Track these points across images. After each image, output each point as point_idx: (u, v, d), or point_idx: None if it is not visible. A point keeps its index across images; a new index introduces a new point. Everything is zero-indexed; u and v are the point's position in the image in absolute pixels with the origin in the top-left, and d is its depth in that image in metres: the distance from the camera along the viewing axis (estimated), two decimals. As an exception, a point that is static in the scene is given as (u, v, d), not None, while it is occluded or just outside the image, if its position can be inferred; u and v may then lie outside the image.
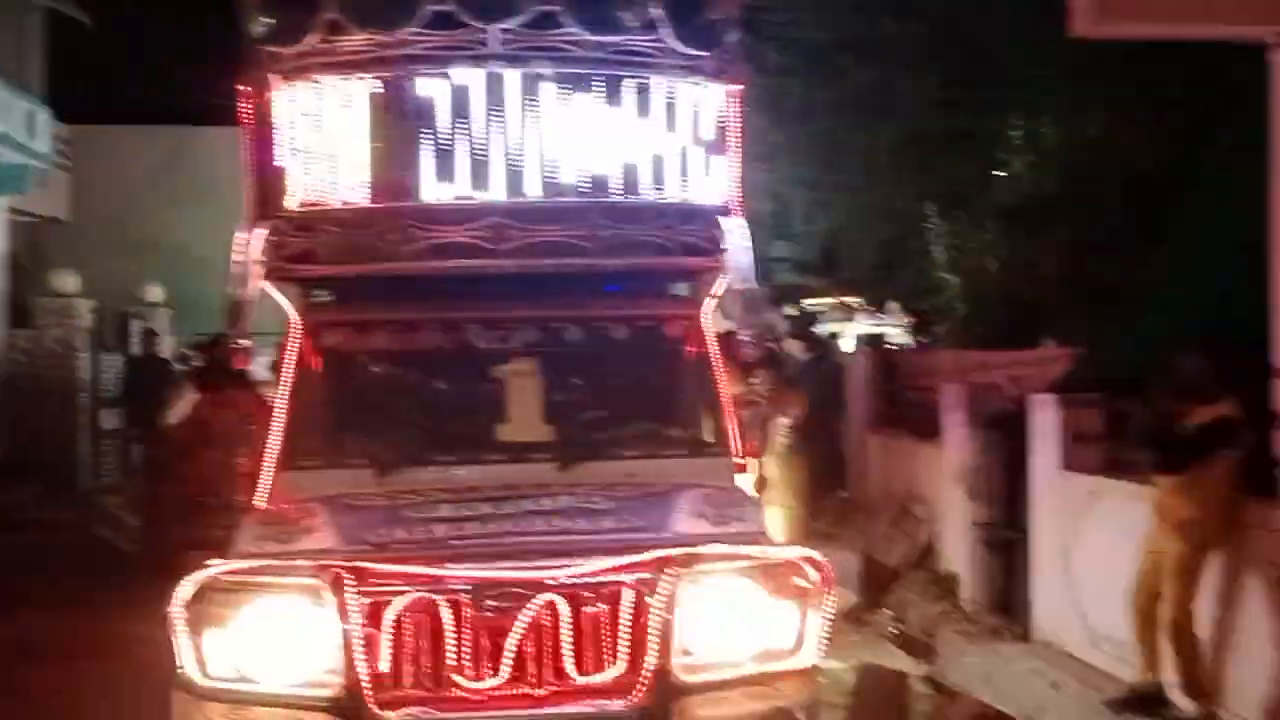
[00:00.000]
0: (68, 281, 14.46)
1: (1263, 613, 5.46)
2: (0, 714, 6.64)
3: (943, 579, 9.11)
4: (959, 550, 8.86)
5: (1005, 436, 8.37)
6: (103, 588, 8.93)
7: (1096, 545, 6.90)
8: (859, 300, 24.65)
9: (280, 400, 4.81)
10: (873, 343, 13.53)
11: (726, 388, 5.01)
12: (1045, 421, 7.55)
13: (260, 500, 4.55)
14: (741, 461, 4.88)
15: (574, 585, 3.75)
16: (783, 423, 7.82)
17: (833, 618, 3.99)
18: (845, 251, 23.86)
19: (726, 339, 5.21)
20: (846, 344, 18.39)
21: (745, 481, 4.81)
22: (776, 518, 7.77)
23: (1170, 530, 5.55)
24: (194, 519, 8.00)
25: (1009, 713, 6.46)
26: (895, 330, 21.21)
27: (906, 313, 20.58)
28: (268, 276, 4.73)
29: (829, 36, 17.36)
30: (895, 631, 8.72)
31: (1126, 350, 8.26)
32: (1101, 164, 12.72)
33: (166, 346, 15.16)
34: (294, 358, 4.88)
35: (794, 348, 12.48)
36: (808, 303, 28.00)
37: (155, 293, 17.29)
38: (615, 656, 3.72)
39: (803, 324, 14.56)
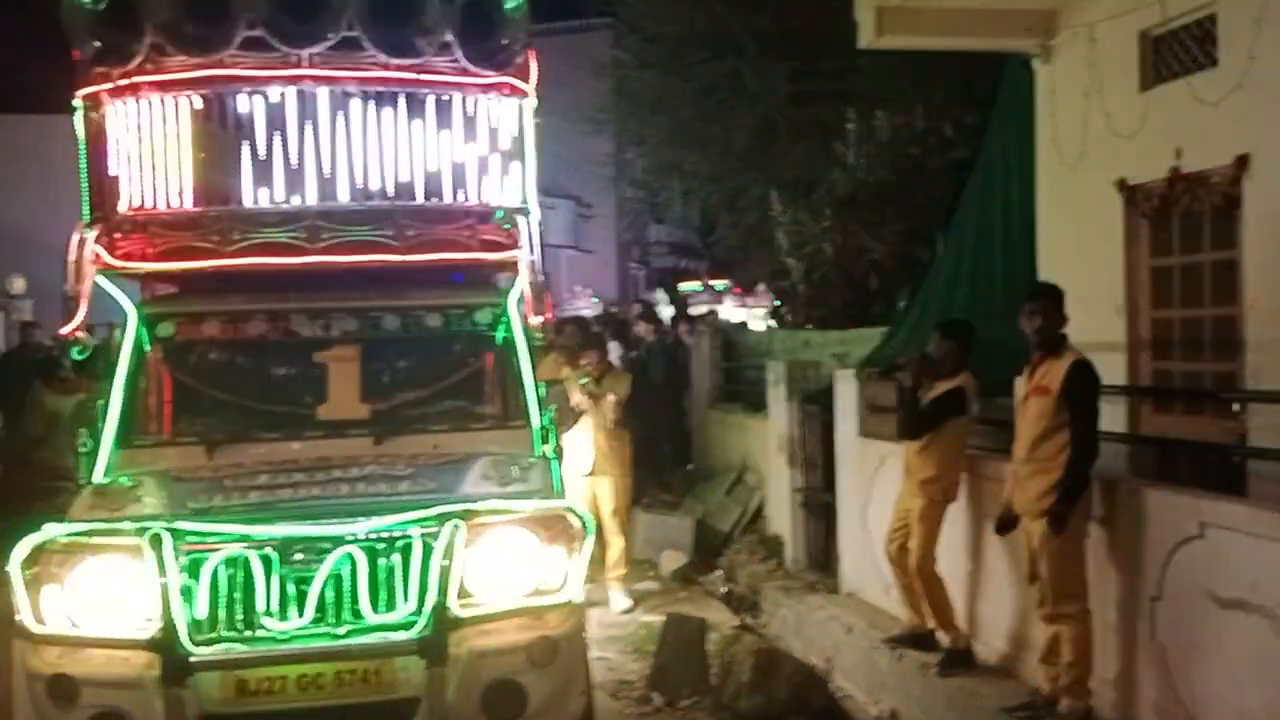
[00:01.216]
0: (-74, 275, 14.43)
1: (1001, 556, 6.30)
2: None
3: (769, 541, 9.92)
4: (783, 514, 9.66)
5: (821, 409, 9.19)
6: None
7: (885, 503, 7.67)
8: (726, 283, 25.48)
9: (117, 385, 5.31)
10: (716, 324, 14.33)
11: (528, 368, 5.65)
12: (846, 394, 8.35)
13: (98, 475, 5.06)
14: (540, 433, 5.52)
15: (369, 539, 4.35)
16: (611, 399, 8.50)
17: (588, 561, 4.65)
18: (714, 236, 24.68)
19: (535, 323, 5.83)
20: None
21: (542, 450, 5.46)
22: (605, 486, 8.48)
23: (915, 486, 6.37)
24: (46, 504, 8.37)
25: (795, 652, 7.25)
26: (760, 311, 22.10)
27: (774, 295, 21.47)
28: (102, 272, 5.23)
29: (684, 30, 18.07)
30: (725, 590, 9.51)
31: (924, 327, 9.07)
32: (926, 155, 13.68)
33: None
34: (129, 346, 5.38)
35: (643, 330, 13.18)
36: (682, 286, 28.79)
37: (17, 284, 17.23)
38: (404, 597, 4.34)
39: (647, 306, 15.27)
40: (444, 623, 4.25)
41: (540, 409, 5.56)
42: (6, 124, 20.53)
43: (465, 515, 4.38)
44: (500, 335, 5.70)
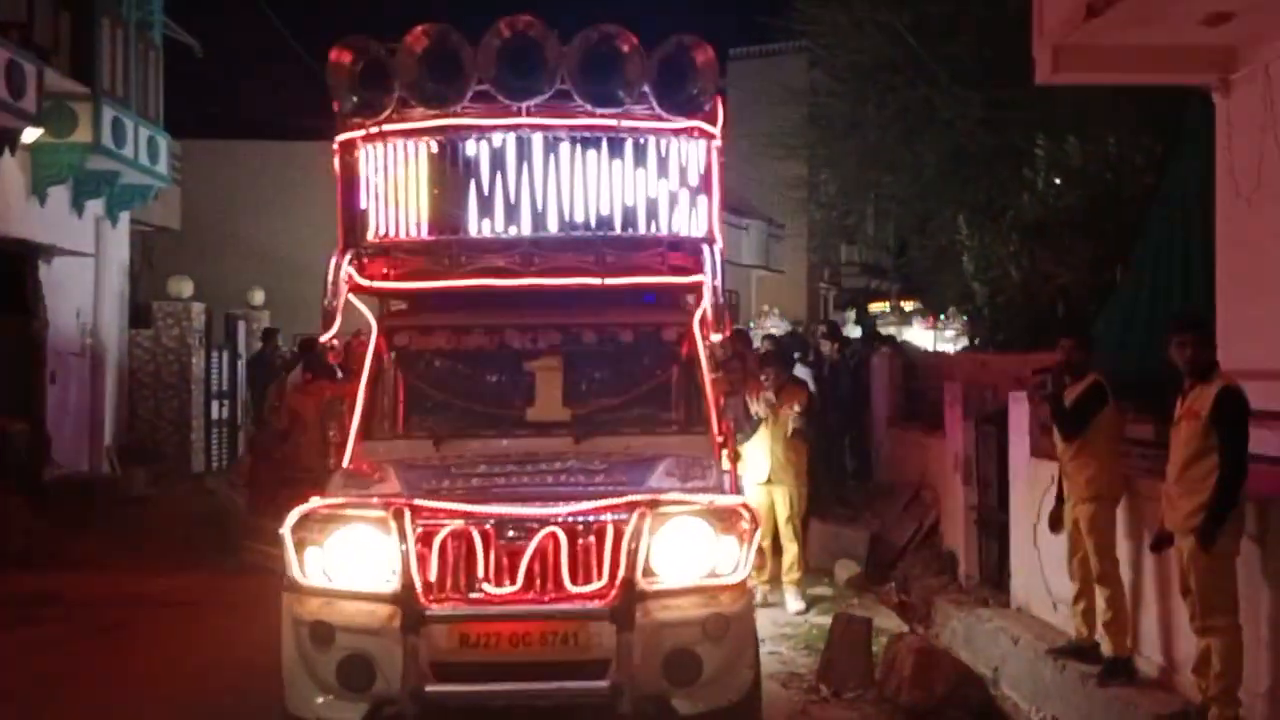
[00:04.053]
0: (184, 286, 16.22)
1: (1159, 571, 6.56)
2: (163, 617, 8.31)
3: (943, 556, 10.24)
4: (957, 530, 9.96)
5: (997, 430, 9.50)
6: (215, 547, 10.64)
7: (1054, 522, 7.99)
8: (916, 305, 25.52)
9: (361, 387, 6.25)
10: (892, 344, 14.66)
11: (710, 381, 6.32)
12: (1019, 415, 8.64)
13: (347, 461, 6.00)
14: (719, 439, 6.18)
15: (570, 521, 5.06)
16: (790, 413, 9.06)
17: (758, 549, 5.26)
18: (905, 257, 24.77)
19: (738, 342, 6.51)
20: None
21: (720, 454, 6.11)
22: (780, 495, 9.04)
23: (1079, 491, 6.69)
24: (291, 493, 9.52)
25: (974, 664, 7.61)
26: (950, 333, 22.16)
27: (964, 317, 21.48)
28: (353, 290, 6.20)
29: (876, 59, 18.43)
30: (897, 600, 9.91)
31: (1108, 350, 9.25)
32: (1119, 182, 13.68)
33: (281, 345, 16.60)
34: (373, 354, 6.33)
35: (825, 348, 13.66)
36: (872, 307, 28.96)
37: (257, 296, 18.99)
38: (598, 572, 5.03)
39: (833, 325, 15.71)
40: (632, 595, 4.92)
41: (719, 418, 6.22)
42: (250, 149, 22.55)
43: (651, 504, 5.06)
44: (685, 351, 6.39)
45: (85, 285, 15.20)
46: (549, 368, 6.29)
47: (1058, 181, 14.37)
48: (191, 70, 19.48)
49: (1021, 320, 13.96)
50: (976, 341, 16.72)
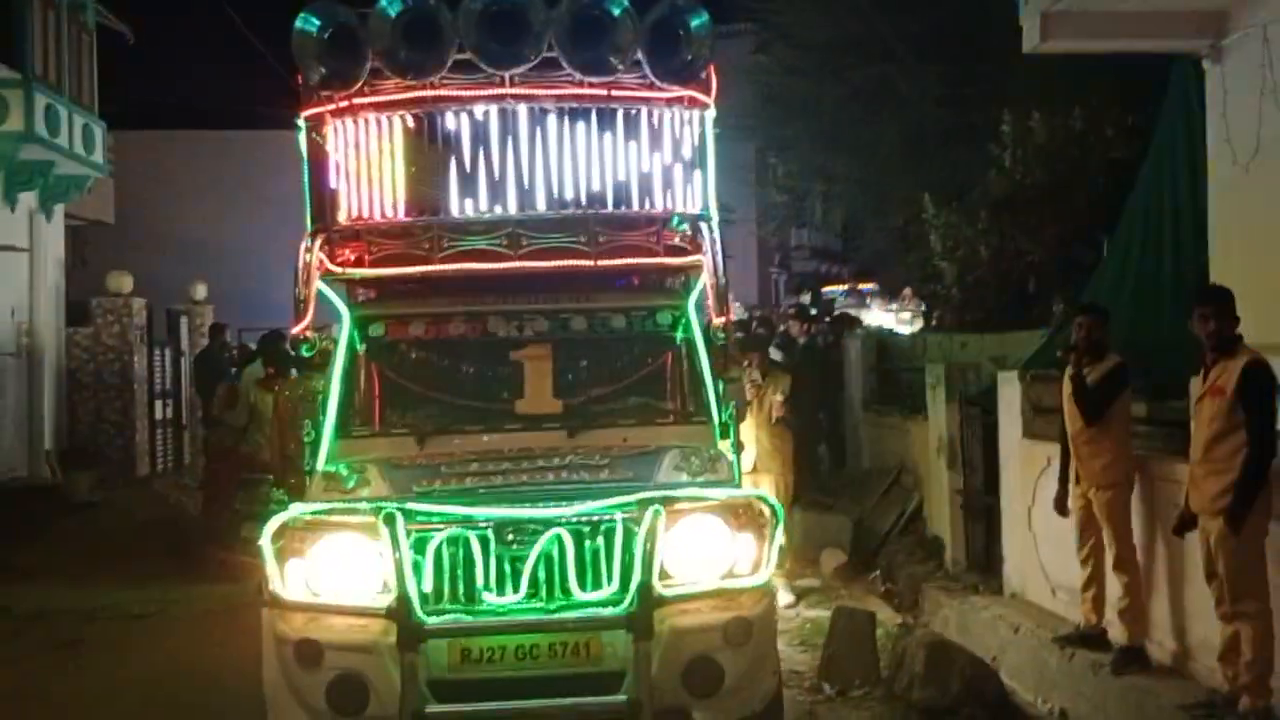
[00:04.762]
0: (123, 282, 15.54)
1: (1173, 555, 6.31)
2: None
3: (928, 542, 10.00)
4: (943, 516, 9.72)
5: (982, 411, 9.25)
6: (169, 554, 10.09)
7: (1050, 504, 7.72)
8: (873, 287, 25.33)
9: (334, 381, 5.78)
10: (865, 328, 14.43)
11: (708, 366, 5.94)
12: (1009, 396, 8.40)
13: (323, 462, 5.54)
14: (721, 428, 5.80)
15: (576, 522, 4.70)
16: (778, 398, 8.75)
17: (782, 549, 4.91)
18: (858, 240, 24.62)
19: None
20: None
21: (722, 444, 5.74)
22: (766, 484, 8.72)
23: (1094, 479, 6.42)
24: (247, 494, 9.03)
25: (974, 650, 7.35)
26: (907, 315, 21.98)
27: (921, 298, 21.31)
28: (324, 277, 5.72)
29: (834, 35, 18.16)
30: (884, 588, 9.65)
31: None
32: (1085, 156, 13.50)
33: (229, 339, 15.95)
34: (346, 345, 5.86)
35: (794, 329, 13.35)
36: (826, 290, 28.75)
37: (199, 290, 18.31)
38: (609, 576, 4.67)
39: (802, 307, 15.42)
40: (649, 601, 4.56)
41: (720, 406, 5.84)
42: (184, 139, 21.87)
43: (665, 501, 4.69)
44: (681, 335, 6.01)
45: (19, 282, 14.53)
46: (537, 357, 5.87)
47: (1021, 158, 14.17)
48: (121, 58, 18.73)
49: (993, 299, 13.74)
50: (934, 322, 16.54)
